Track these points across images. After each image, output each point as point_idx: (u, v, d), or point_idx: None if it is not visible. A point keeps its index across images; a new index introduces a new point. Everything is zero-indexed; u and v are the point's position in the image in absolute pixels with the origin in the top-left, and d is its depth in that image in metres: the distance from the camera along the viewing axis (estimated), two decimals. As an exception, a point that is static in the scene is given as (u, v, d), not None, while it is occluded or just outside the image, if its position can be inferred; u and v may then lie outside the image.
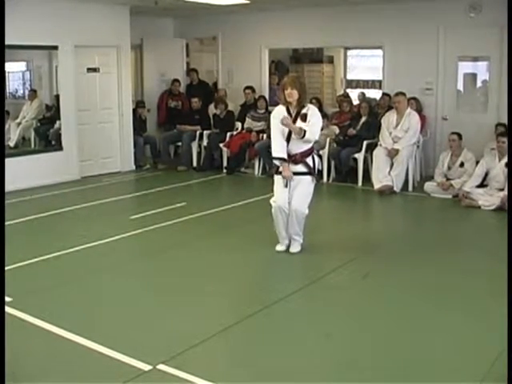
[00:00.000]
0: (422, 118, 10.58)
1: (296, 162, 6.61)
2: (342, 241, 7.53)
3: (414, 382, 4.15)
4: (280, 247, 6.91)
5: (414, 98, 10.76)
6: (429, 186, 9.69)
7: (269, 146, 11.18)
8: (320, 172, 10.69)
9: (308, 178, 6.67)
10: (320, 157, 10.74)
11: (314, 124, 6.54)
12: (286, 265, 6.61)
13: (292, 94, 6.48)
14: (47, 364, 4.43)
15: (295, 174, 6.64)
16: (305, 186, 6.67)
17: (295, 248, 6.85)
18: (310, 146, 6.64)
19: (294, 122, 6.51)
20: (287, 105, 6.59)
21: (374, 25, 11.36)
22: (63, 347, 4.67)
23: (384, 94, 11.53)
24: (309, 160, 6.66)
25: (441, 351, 4.54)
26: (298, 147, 6.59)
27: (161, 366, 4.29)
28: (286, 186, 6.64)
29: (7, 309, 5.32)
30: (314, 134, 6.55)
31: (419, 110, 10.67)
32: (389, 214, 9.31)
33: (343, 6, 11.52)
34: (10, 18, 9.82)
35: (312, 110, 6.62)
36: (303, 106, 6.59)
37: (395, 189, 9.87)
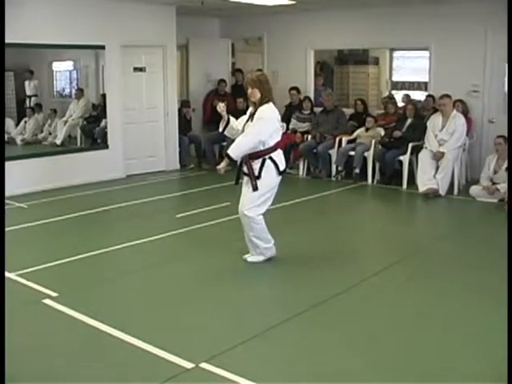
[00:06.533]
0: (469, 121, 10.46)
1: (244, 163, 6.29)
2: (386, 243, 7.50)
3: (456, 382, 4.14)
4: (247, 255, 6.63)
5: (461, 101, 10.62)
6: (474, 189, 9.57)
7: (314, 148, 11.29)
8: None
9: (265, 172, 6.20)
10: (365, 158, 10.77)
11: (250, 133, 6.15)
12: (330, 267, 6.55)
13: (253, 93, 6.14)
14: (90, 360, 4.48)
15: (244, 174, 6.38)
16: (249, 188, 6.28)
17: (250, 257, 6.52)
18: (258, 149, 6.13)
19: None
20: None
21: (421, 26, 11.26)
22: (107, 343, 4.73)
23: (428, 95, 11.44)
24: (255, 163, 6.19)
25: (486, 353, 4.50)
26: None
27: (203, 365, 4.31)
28: (255, 189, 6.20)
29: (52, 304, 5.42)
30: (231, 131, 6.31)
31: (465, 113, 10.53)
32: (433, 217, 9.23)
33: (389, 7, 11.44)
34: (57, 18, 10.02)
35: (258, 112, 6.13)
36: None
37: (440, 192, 9.77)
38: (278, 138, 6.27)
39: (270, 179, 6.22)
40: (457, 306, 5.47)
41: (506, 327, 3.93)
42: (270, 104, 6.18)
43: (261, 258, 6.47)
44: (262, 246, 6.42)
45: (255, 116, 6.14)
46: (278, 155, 6.29)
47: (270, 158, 6.19)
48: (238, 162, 6.37)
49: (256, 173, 6.18)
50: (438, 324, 5.10)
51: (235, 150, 6.15)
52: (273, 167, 6.21)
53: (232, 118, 6.37)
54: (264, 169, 6.18)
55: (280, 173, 6.28)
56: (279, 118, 6.38)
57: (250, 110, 6.38)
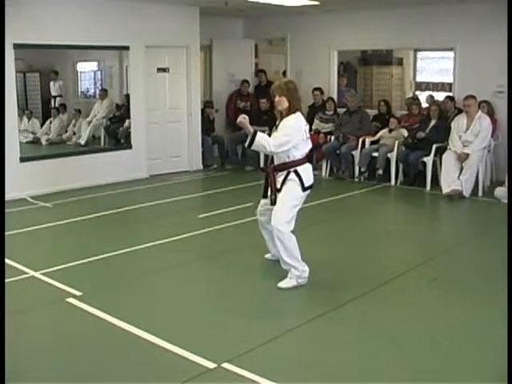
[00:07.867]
0: (494, 122, 10.37)
1: (268, 174, 5.91)
2: (410, 245, 7.46)
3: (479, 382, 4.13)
4: (268, 254, 6.55)
5: (486, 101, 10.55)
6: (499, 191, 9.48)
7: (337, 148, 11.25)
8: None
9: (288, 185, 5.74)
10: (388, 159, 10.73)
11: (275, 137, 5.68)
12: (353, 268, 6.54)
13: (280, 102, 5.70)
14: (112, 358, 4.50)
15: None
16: (282, 195, 5.76)
17: (284, 283, 5.84)
18: (286, 160, 5.74)
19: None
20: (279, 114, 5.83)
21: (446, 26, 11.18)
22: (129, 342, 4.74)
23: (447, 97, 11.38)
24: (279, 175, 5.77)
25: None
26: (276, 159, 5.88)
27: (225, 365, 4.31)
28: (273, 203, 5.76)
29: (76, 302, 5.45)
30: (258, 143, 5.69)
31: (491, 114, 10.45)
32: (457, 219, 9.16)
33: (413, 7, 11.38)
34: (82, 19, 10.08)
35: (284, 121, 5.71)
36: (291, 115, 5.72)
37: (464, 194, 9.70)
38: (306, 151, 5.81)
39: (292, 193, 5.74)
40: (475, 308, 5.44)
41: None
42: (298, 113, 5.74)
43: (292, 283, 5.83)
44: (299, 268, 5.84)
45: (281, 125, 5.72)
46: (306, 170, 5.80)
47: (295, 172, 5.73)
48: (265, 176, 6.03)
49: (278, 186, 5.76)
50: (456, 325, 5.08)
51: (253, 140, 5.70)
52: (297, 181, 5.73)
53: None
54: (286, 182, 5.75)
55: (305, 189, 5.76)
56: (306, 128, 5.86)
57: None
